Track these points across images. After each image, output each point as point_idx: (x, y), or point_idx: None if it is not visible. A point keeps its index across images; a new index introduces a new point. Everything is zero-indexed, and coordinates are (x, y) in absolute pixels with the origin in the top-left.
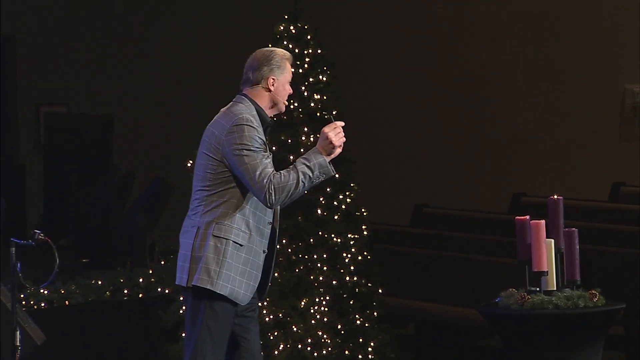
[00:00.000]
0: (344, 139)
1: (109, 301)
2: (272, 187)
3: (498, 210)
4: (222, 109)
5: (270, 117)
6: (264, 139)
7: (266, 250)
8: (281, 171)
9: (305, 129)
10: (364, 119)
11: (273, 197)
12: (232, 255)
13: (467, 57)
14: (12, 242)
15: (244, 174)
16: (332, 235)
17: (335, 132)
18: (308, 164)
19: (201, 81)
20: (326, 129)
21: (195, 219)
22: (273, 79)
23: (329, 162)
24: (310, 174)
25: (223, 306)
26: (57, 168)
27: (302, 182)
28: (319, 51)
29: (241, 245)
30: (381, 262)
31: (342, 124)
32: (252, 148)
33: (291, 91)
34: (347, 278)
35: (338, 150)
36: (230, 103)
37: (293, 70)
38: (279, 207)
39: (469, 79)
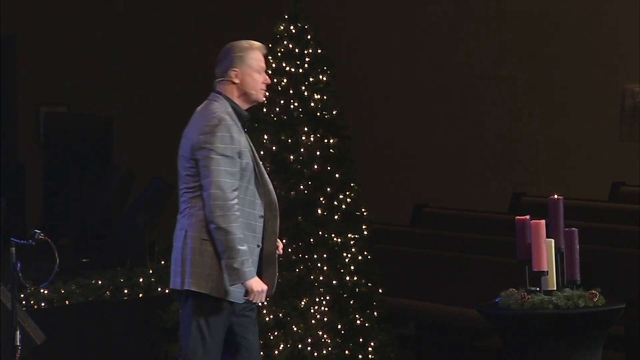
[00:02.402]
0: (253, 298)
1: (109, 301)
2: (231, 211)
3: (498, 210)
4: (197, 109)
5: (248, 109)
6: (241, 137)
7: (260, 245)
8: (239, 214)
9: (305, 129)
10: (364, 119)
11: (216, 217)
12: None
13: (467, 57)
14: (12, 242)
15: (205, 175)
16: (332, 235)
17: (258, 295)
18: (245, 264)
19: (201, 81)
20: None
21: (183, 222)
22: (234, 70)
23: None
24: (235, 255)
25: (216, 307)
26: (57, 168)
27: (234, 248)
28: (319, 51)
29: None
30: (381, 262)
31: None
32: (220, 151)
33: (265, 80)
34: (347, 278)
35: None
36: (205, 102)
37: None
38: (275, 198)
39: (469, 79)
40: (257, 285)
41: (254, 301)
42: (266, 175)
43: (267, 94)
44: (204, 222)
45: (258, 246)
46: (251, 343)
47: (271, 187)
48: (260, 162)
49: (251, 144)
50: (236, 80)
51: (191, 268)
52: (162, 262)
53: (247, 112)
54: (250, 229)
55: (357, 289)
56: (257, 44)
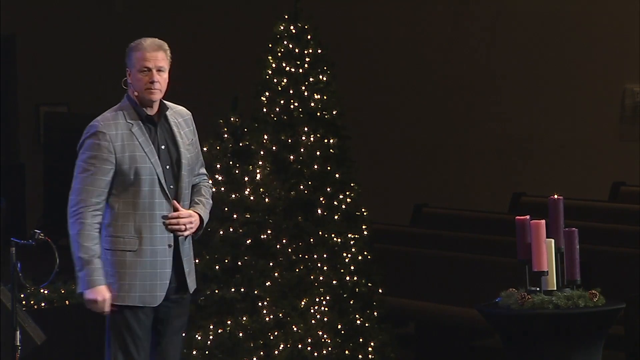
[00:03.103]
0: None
1: None
2: (77, 223)
3: (498, 210)
4: None
5: (148, 108)
6: (133, 140)
7: (172, 244)
8: (91, 224)
9: (306, 129)
10: (363, 119)
11: (70, 222)
12: (124, 264)
13: (466, 58)
14: (12, 242)
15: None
16: (332, 235)
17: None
18: (89, 273)
19: (201, 80)
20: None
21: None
22: (127, 70)
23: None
24: (80, 269)
25: (131, 314)
26: (57, 168)
27: (78, 257)
28: (319, 51)
29: (133, 252)
30: (381, 262)
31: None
32: (81, 158)
33: (145, 79)
34: (347, 278)
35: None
36: None
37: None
38: (183, 190)
39: (468, 80)
40: (91, 294)
41: (91, 306)
42: (178, 175)
43: (154, 91)
44: (108, 232)
45: (170, 245)
46: (163, 349)
47: (181, 185)
48: (184, 161)
49: (166, 142)
50: (130, 80)
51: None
52: None
53: (146, 112)
54: (154, 231)
55: (357, 289)
56: (144, 42)
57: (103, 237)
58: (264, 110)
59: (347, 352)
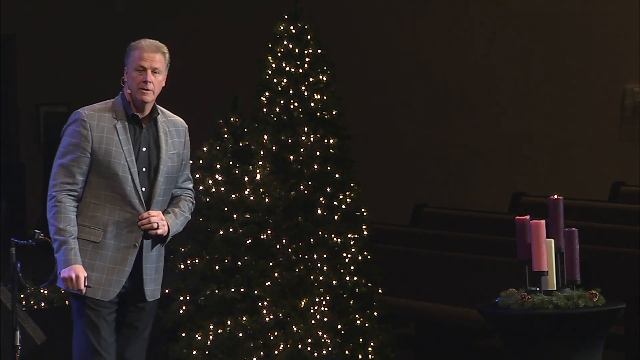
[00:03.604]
0: (67, 286)
1: None
2: (53, 205)
3: (498, 210)
4: None
5: (139, 109)
6: (113, 135)
7: (137, 244)
8: (69, 213)
9: (306, 129)
10: (363, 119)
11: (48, 206)
12: (86, 253)
13: (466, 58)
14: (12, 242)
15: None
16: (332, 235)
17: (75, 282)
18: (64, 251)
19: (201, 80)
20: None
21: None
22: (125, 68)
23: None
24: (57, 249)
25: (86, 304)
26: None
27: (56, 241)
28: (319, 51)
29: (94, 242)
30: (381, 262)
31: (82, 291)
32: (62, 149)
33: (139, 78)
34: (347, 278)
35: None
36: None
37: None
38: (157, 196)
39: (469, 79)
40: (66, 272)
41: (66, 285)
42: (156, 173)
43: (146, 92)
44: (79, 221)
45: (135, 246)
46: (121, 344)
47: (155, 190)
48: (162, 167)
49: (148, 146)
50: (125, 79)
51: None
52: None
53: (134, 112)
54: (120, 227)
55: (357, 289)
56: (144, 42)
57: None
58: (264, 110)
59: (347, 352)
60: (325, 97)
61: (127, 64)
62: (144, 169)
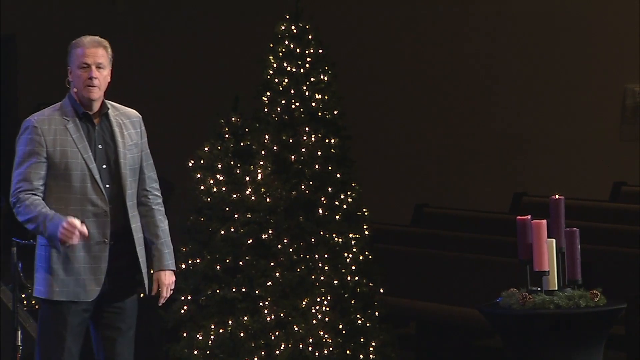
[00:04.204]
0: (70, 240)
1: None
2: (18, 206)
3: (499, 210)
4: None
5: (87, 107)
6: (66, 137)
7: (107, 240)
8: (35, 201)
9: (307, 129)
10: (364, 119)
11: (15, 212)
12: (56, 259)
13: (467, 57)
14: (13, 242)
15: None
16: (334, 235)
17: (60, 228)
18: (47, 222)
19: (202, 80)
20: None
21: None
22: (68, 68)
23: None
24: (42, 229)
25: (52, 311)
26: None
27: (38, 225)
28: (320, 51)
29: (64, 246)
30: (382, 262)
31: (75, 224)
32: (18, 159)
33: (84, 75)
34: (349, 278)
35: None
36: None
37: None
38: (127, 190)
39: (469, 79)
40: (58, 228)
41: (69, 241)
42: (118, 172)
43: (92, 89)
44: None
45: (105, 242)
46: (107, 348)
47: (123, 184)
48: (122, 160)
49: (104, 141)
50: (70, 78)
51: (36, 274)
52: None
53: (84, 110)
54: (89, 226)
55: (358, 289)
56: (84, 39)
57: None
58: (265, 110)
59: (348, 352)
60: (326, 97)
61: (71, 63)
62: (104, 166)
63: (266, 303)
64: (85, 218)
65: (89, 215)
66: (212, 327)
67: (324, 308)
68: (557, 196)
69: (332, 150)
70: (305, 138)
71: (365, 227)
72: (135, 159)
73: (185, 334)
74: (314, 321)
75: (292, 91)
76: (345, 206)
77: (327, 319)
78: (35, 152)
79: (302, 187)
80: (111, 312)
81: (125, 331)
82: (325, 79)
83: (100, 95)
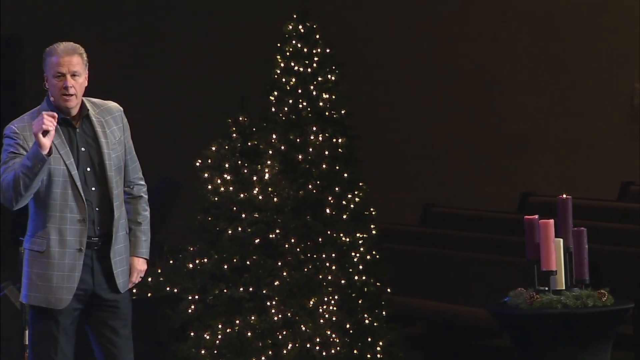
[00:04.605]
0: (44, 127)
1: None
2: (1, 183)
3: (506, 209)
4: None
5: (66, 113)
6: (29, 142)
7: (83, 248)
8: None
9: (314, 128)
10: (372, 119)
11: (2, 198)
12: (33, 263)
13: (475, 56)
14: (21, 241)
15: None
16: (341, 235)
17: (37, 120)
18: (24, 158)
19: (209, 80)
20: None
21: None
22: (45, 75)
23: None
24: (29, 164)
25: (41, 313)
26: None
27: (21, 172)
28: (328, 50)
29: (40, 252)
30: (390, 262)
31: (54, 114)
32: (2, 162)
33: (59, 85)
34: (356, 277)
35: (39, 138)
36: None
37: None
38: (113, 191)
39: (477, 78)
40: (32, 127)
41: (44, 128)
42: (104, 175)
43: (68, 98)
44: (27, 231)
45: (80, 250)
46: (104, 347)
47: (109, 186)
48: (107, 162)
49: (86, 144)
50: (46, 86)
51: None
52: (171, 262)
53: (63, 115)
54: (64, 234)
55: (365, 289)
56: (58, 47)
57: (26, 235)
58: (273, 109)
59: (355, 351)
60: (333, 97)
61: (46, 71)
62: (88, 169)
63: (273, 302)
64: (63, 225)
65: (67, 222)
66: (220, 326)
67: (331, 307)
68: (564, 196)
69: (340, 150)
70: (312, 138)
71: (372, 226)
72: (119, 157)
73: (192, 334)
74: (322, 321)
75: (300, 91)
76: (352, 206)
77: (334, 319)
78: (19, 154)
79: (310, 186)
80: (105, 312)
81: (120, 329)
82: (333, 78)
83: (78, 102)
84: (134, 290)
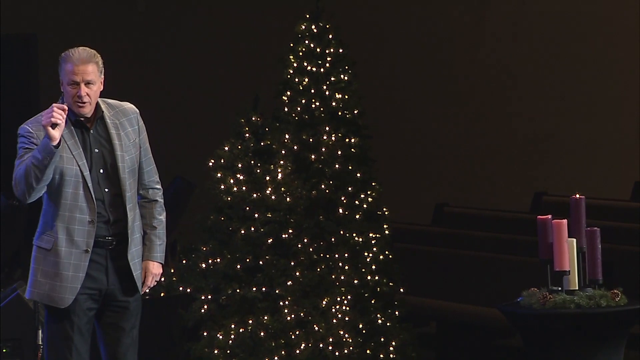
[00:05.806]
0: (53, 120)
1: None
2: (14, 177)
3: (519, 209)
4: None
5: (80, 115)
6: (63, 142)
7: (90, 250)
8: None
9: (327, 128)
10: (384, 118)
11: (15, 191)
12: (40, 260)
13: (488, 56)
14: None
15: None
16: (354, 235)
17: (47, 112)
18: (35, 151)
19: (222, 79)
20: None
21: None
22: (60, 79)
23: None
24: (39, 156)
25: (57, 314)
26: None
27: (32, 164)
28: (341, 50)
29: (47, 250)
30: (402, 262)
31: (64, 107)
32: (18, 156)
33: (73, 92)
34: (369, 277)
35: (49, 130)
36: None
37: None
38: (126, 193)
39: (491, 78)
40: (42, 121)
41: (51, 122)
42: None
43: (82, 105)
44: (39, 227)
45: (87, 251)
46: (110, 347)
47: (122, 188)
48: (120, 164)
49: (100, 146)
50: (62, 89)
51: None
52: (184, 261)
53: (77, 118)
54: (72, 234)
55: (378, 289)
56: (74, 55)
57: (37, 231)
58: (286, 109)
59: (368, 351)
60: (346, 97)
61: (61, 76)
62: (101, 170)
63: (286, 302)
64: (71, 224)
65: (76, 223)
66: (233, 326)
67: (344, 307)
68: (577, 196)
69: (352, 150)
70: (325, 137)
71: (385, 226)
72: (133, 159)
73: (205, 334)
74: (334, 320)
75: (313, 90)
76: (365, 205)
77: (347, 319)
78: (30, 143)
79: (322, 186)
80: (115, 312)
81: (128, 331)
82: (346, 78)
83: (91, 108)
84: (147, 290)
